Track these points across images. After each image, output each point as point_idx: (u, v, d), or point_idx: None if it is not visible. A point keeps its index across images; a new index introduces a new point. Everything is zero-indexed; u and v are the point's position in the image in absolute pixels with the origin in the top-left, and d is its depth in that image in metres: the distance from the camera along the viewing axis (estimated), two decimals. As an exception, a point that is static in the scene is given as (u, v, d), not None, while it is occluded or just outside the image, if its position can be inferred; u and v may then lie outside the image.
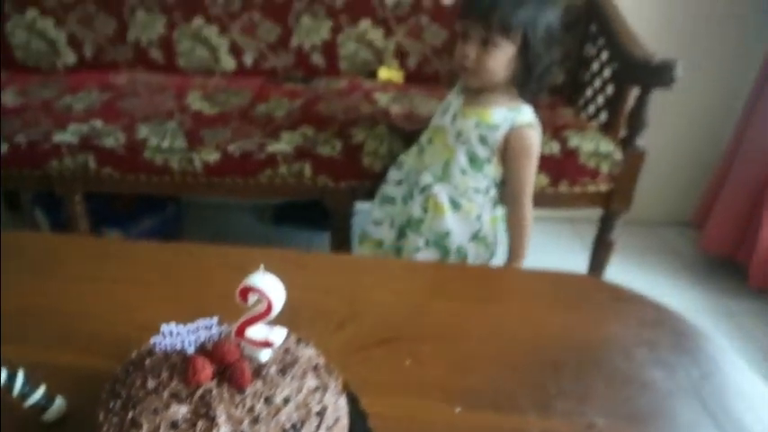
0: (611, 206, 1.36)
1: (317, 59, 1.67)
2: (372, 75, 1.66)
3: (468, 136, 1.09)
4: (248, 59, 1.67)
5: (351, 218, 1.40)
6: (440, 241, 1.14)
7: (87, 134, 1.31)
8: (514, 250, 1.16)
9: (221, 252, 0.86)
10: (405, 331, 0.72)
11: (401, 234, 1.18)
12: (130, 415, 0.46)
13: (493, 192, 1.14)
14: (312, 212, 1.88)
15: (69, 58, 1.69)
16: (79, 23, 1.66)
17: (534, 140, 1.09)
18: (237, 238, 1.92)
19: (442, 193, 1.12)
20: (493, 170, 1.12)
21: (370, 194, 1.32)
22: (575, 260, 1.61)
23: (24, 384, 0.54)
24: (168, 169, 1.31)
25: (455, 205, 1.12)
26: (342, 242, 1.41)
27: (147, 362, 0.52)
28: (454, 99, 1.14)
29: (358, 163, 1.29)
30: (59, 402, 0.56)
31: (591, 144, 1.29)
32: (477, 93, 1.10)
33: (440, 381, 0.64)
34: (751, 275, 1.71)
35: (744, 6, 1.74)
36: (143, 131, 1.31)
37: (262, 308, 0.50)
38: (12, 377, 0.53)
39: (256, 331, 0.52)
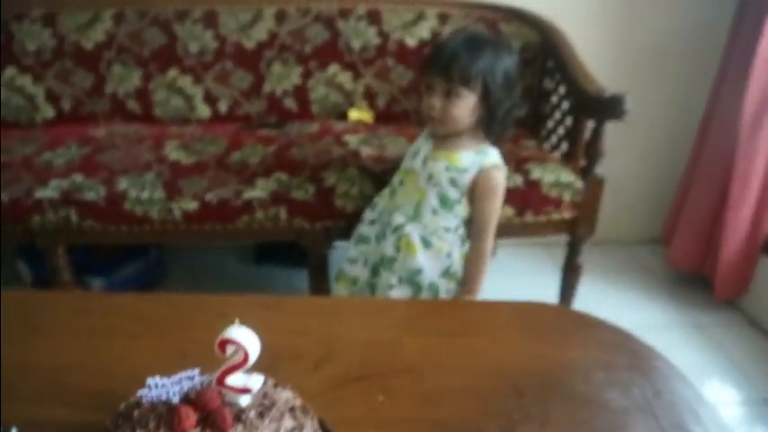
0: (576, 232, 1.43)
1: (290, 104, 1.73)
2: (343, 116, 1.73)
3: (438, 179, 1.16)
4: (223, 107, 1.73)
5: (327, 257, 1.44)
6: (412, 278, 1.20)
7: (68, 189, 1.35)
8: (469, 282, 1.21)
9: (201, 301, 0.89)
10: (377, 368, 0.76)
11: (375, 272, 1.23)
12: None
13: (462, 230, 1.20)
14: (291, 252, 1.92)
15: (48, 112, 1.73)
16: (57, 79, 1.71)
17: (500, 181, 1.16)
18: (220, 279, 1.96)
19: (413, 232, 1.17)
20: (462, 210, 1.18)
21: (345, 234, 1.37)
22: (548, 281, 1.66)
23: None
24: (148, 219, 1.35)
25: (426, 244, 1.18)
26: (320, 280, 1.45)
27: (135, 413, 0.56)
28: (423, 143, 1.21)
29: (331, 205, 1.35)
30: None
31: (552, 175, 1.36)
32: (445, 137, 1.17)
33: (410, 414, 0.69)
34: (716, 289, 1.78)
35: (691, 40, 1.86)
36: (123, 184, 1.35)
37: (239, 357, 0.55)
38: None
39: (235, 379, 0.56)
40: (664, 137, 2.00)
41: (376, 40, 1.68)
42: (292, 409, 0.58)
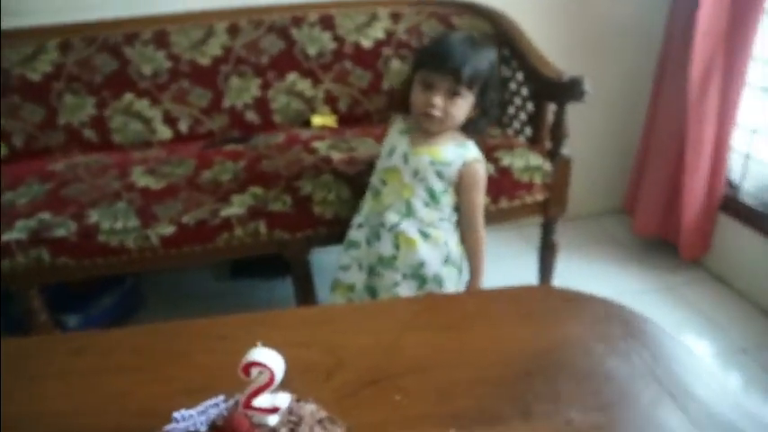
0: (549, 213, 1.47)
1: (252, 116, 1.72)
2: (307, 123, 1.73)
3: (424, 173, 1.18)
4: (184, 126, 1.71)
5: (310, 264, 1.45)
6: (416, 272, 1.22)
7: (37, 228, 1.31)
8: (475, 269, 1.27)
9: (198, 326, 0.88)
10: (388, 370, 0.77)
11: (372, 273, 1.24)
12: None
13: (454, 217, 1.24)
14: (268, 263, 1.92)
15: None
16: (6, 115, 1.65)
17: (483, 173, 1.22)
18: (199, 300, 1.93)
19: (410, 228, 1.20)
20: (451, 198, 1.22)
21: (326, 240, 1.38)
22: (525, 262, 1.71)
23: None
24: (125, 249, 1.33)
25: (425, 236, 1.21)
26: (306, 290, 1.46)
27: None
28: (398, 140, 1.23)
29: (310, 213, 1.35)
30: None
31: (521, 160, 1.40)
32: (425, 133, 1.20)
33: (430, 410, 0.70)
34: (681, 250, 1.87)
35: (635, 19, 1.93)
36: (93, 216, 1.32)
37: (265, 379, 0.55)
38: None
39: (262, 400, 0.56)
40: (618, 113, 2.08)
41: (331, 45, 1.69)
42: (320, 422, 0.59)
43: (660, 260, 1.95)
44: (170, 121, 1.70)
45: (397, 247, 1.21)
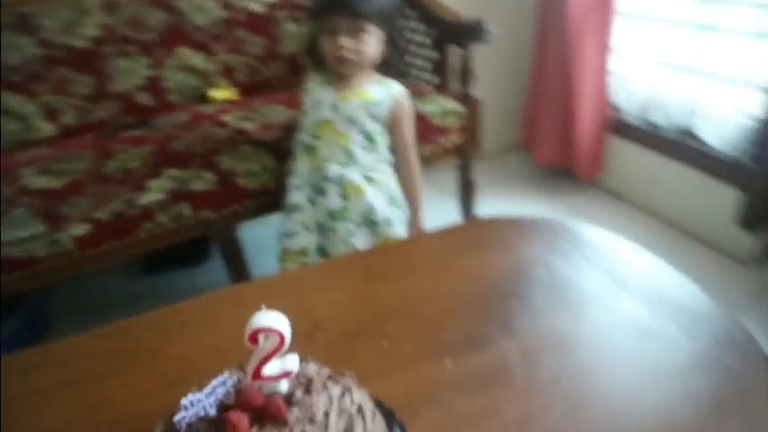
0: (465, 154, 1.53)
1: (145, 99, 1.60)
2: (205, 99, 1.65)
3: (357, 117, 1.19)
4: (68, 119, 1.56)
5: (239, 242, 1.40)
6: (367, 218, 1.22)
7: None
8: (416, 204, 1.30)
9: (150, 319, 0.83)
10: (367, 320, 0.78)
11: (322, 232, 1.23)
12: None
13: (390, 158, 1.26)
14: (183, 250, 1.83)
15: None
16: None
17: (410, 105, 1.25)
18: (115, 306, 1.80)
19: (354, 175, 1.20)
20: (385, 139, 1.24)
21: (252, 214, 1.34)
22: (447, 205, 1.77)
23: None
24: (34, 259, 1.20)
25: (369, 180, 1.21)
26: (239, 268, 1.41)
27: None
28: (320, 92, 1.22)
29: (234, 188, 1.30)
30: None
31: (435, 106, 1.43)
32: (346, 79, 1.20)
33: (419, 347, 0.72)
34: (578, 174, 2.02)
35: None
36: (-11, 229, 1.18)
37: (272, 344, 0.53)
38: None
39: (271, 367, 0.54)
40: (504, 54, 2.17)
41: (221, 14, 1.61)
42: (330, 377, 0.58)
43: (561, 186, 2.10)
44: (51, 114, 1.54)
45: (345, 197, 1.20)
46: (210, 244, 1.97)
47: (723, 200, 1.63)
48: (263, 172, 1.30)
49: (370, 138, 1.21)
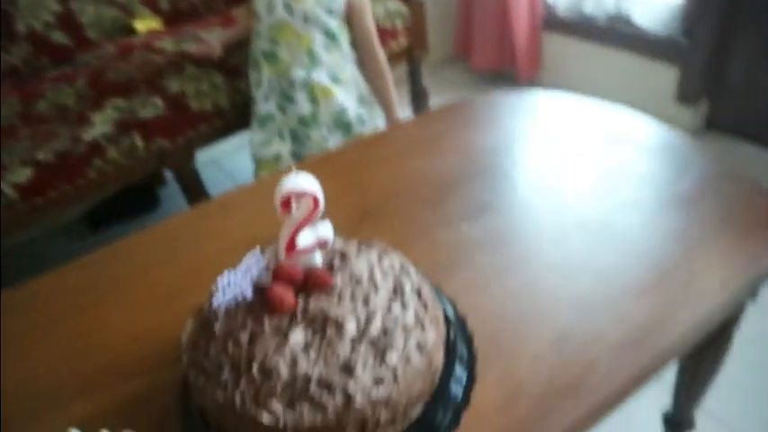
0: (413, 57, 1.50)
1: (59, 38, 1.45)
2: (129, 31, 1.51)
3: (315, 15, 1.13)
4: (-26, 67, 1.39)
5: (198, 173, 1.33)
6: (340, 120, 1.19)
7: None
8: (387, 93, 1.25)
9: (133, 241, 0.78)
10: (370, 203, 0.77)
11: (296, 140, 1.19)
12: (255, 372, 0.43)
13: (353, 54, 1.21)
14: (129, 200, 1.73)
15: None
16: None
17: None
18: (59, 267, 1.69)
19: (321, 77, 1.15)
20: (346, 35, 1.19)
21: (209, 138, 1.27)
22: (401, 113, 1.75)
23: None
24: (-26, 215, 1.09)
25: (336, 80, 1.17)
26: (200, 199, 1.34)
27: (217, 328, 0.48)
28: None
29: (187, 110, 1.22)
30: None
31: (380, 7, 1.38)
32: None
33: (431, 218, 0.72)
34: (518, 74, 2.05)
35: None
36: None
37: (305, 210, 0.49)
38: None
39: (305, 238, 0.50)
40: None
41: (131, -68, 1.46)
42: (360, 247, 0.56)
43: (502, 89, 2.11)
44: (-47, 65, 1.37)
45: (314, 101, 1.16)
46: (158, 189, 1.87)
47: (661, 79, 1.70)
48: (214, 91, 1.23)
49: (331, 35, 1.15)
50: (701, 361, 0.78)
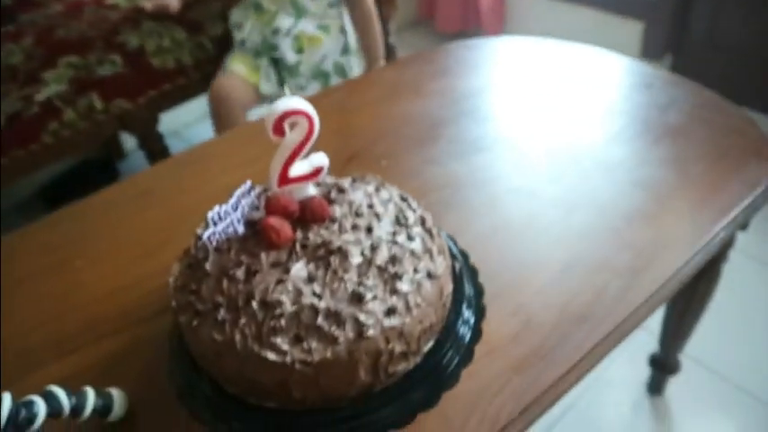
0: (382, 13, 1.44)
1: (0, -4, 1.34)
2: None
3: None
4: None
5: (163, 137, 1.26)
6: (317, 70, 1.15)
7: None
8: (374, 43, 1.17)
9: (106, 195, 0.73)
10: (356, 145, 0.74)
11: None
12: (256, 308, 0.39)
13: (338, 3, 1.16)
14: (86, 173, 1.65)
15: None
16: None
17: None
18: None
19: (307, 26, 1.11)
20: None
21: (173, 99, 1.20)
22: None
23: (69, 398, 0.40)
24: None
25: (324, 29, 1.13)
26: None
27: (209, 266, 0.43)
28: None
29: (148, 67, 1.14)
30: (117, 394, 0.45)
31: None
32: None
33: (419, 158, 0.69)
34: (484, 34, 2.02)
35: None
36: None
37: (300, 134, 0.46)
38: (51, 398, 0.39)
39: (299, 168, 0.47)
40: None
41: None
42: (353, 180, 0.53)
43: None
44: None
45: (299, 50, 1.12)
46: (118, 163, 1.78)
47: (625, 35, 1.70)
48: (176, 47, 1.16)
49: None
50: (689, 299, 0.78)
